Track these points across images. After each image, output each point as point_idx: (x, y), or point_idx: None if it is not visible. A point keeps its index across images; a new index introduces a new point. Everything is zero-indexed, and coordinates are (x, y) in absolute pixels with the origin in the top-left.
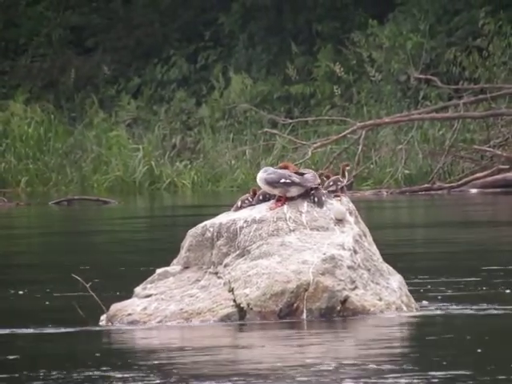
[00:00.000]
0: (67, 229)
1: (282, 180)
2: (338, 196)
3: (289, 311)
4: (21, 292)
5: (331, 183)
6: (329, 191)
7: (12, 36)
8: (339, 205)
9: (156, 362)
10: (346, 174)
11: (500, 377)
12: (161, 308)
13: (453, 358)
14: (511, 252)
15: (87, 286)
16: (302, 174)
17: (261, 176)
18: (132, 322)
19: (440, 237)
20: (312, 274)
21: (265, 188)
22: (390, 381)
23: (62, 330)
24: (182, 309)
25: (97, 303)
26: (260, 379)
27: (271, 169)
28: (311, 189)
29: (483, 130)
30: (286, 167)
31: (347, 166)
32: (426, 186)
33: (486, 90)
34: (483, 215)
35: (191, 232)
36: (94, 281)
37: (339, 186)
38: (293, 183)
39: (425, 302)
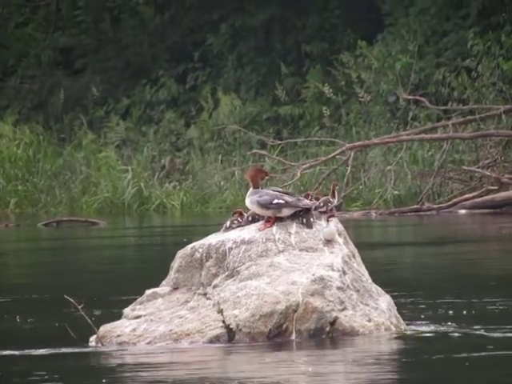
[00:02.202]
0: (56, 250)
1: (275, 201)
2: (332, 216)
3: (278, 332)
4: (7, 315)
5: (321, 204)
6: (319, 212)
7: (1, 57)
8: (330, 225)
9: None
10: (336, 193)
11: None
12: (150, 329)
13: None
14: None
15: (79, 307)
16: (294, 195)
17: (253, 199)
18: (121, 343)
19: (427, 256)
20: (301, 295)
21: (257, 210)
22: None
23: (51, 351)
24: (171, 330)
25: (87, 324)
26: None
27: (260, 190)
28: (300, 210)
29: (472, 150)
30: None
31: (337, 185)
32: (415, 206)
33: (474, 110)
34: (469, 234)
35: (180, 253)
36: (83, 302)
37: (329, 207)
38: (286, 203)
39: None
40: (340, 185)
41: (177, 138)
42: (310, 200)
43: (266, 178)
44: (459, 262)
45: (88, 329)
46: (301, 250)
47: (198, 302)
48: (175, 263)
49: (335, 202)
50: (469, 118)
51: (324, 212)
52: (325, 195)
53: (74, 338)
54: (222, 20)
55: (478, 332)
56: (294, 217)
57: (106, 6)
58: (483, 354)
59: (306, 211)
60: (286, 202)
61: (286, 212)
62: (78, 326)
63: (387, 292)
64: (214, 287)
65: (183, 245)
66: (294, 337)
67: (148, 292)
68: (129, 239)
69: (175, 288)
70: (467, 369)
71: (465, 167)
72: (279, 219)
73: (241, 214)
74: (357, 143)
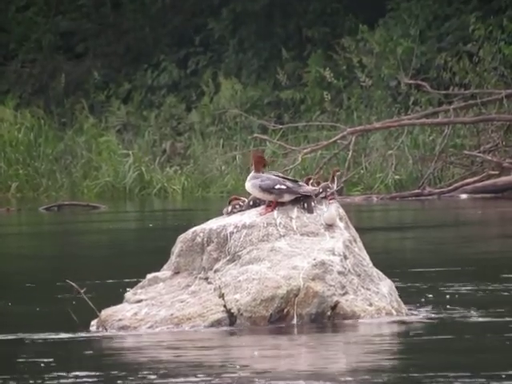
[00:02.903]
0: (57, 234)
1: (277, 186)
2: (333, 199)
3: (279, 316)
4: (12, 297)
5: (321, 190)
6: (320, 198)
7: (2, 41)
8: (330, 209)
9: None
10: (336, 179)
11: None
12: (151, 313)
13: (443, 362)
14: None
15: (81, 291)
16: (296, 181)
17: (255, 183)
18: (123, 328)
19: (428, 239)
20: (302, 280)
21: (259, 195)
22: None
23: (52, 336)
24: (172, 314)
25: (89, 308)
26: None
27: (261, 175)
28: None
29: (473, 135)
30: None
31: (337, 171)
32: (416, 191)
33: (476, 95)
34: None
35: (181, 237)
36: (85, 285)
37: (328, 193)
38: (287, 189)
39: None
40: (341, 170)
41: (178, 122)
42: (311, 185)
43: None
44: (460, 245)
45: (89, 313)
46: (302, 234)
47: (199, 286)
48: (176, 248)
49: (334, 187)
50: (470, 102)
51: (324, 197)
52: (325, 180)
53: (76, 323)
54: (223, 4)
55: (479, 317)
56: (295, 201)
57: None
58: (485, 338)
59: (308, 196)
60: (288, 187)
61: (286, 197)
62: (79, 310)
63: (388, 276)
64: (215, 272)
65: (184, 229)
66: (295, 321)
67: (149, 276)
68: (130, 223)
69: (176, 272)
70: (469, 353)
71: (466, 152)
72: (280, 204)
73: (236, 199)
74: (358, 128)
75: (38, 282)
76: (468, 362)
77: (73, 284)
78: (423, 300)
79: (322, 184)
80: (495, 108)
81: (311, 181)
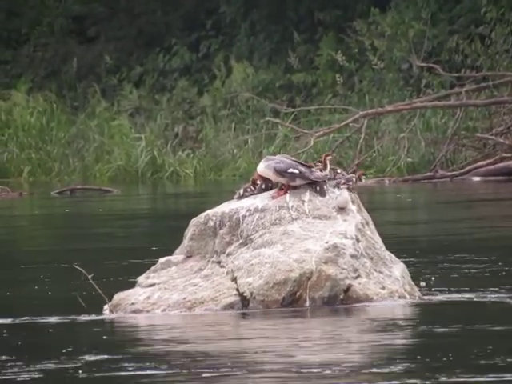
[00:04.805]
0: (70, 218)
1: (290, 170)
2: (353, 183)
3: (292, 300)
4: (23, 281)
5: (343, 181)
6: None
7: (14, 26)
8: (343, 193)
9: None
10: (328, 163)
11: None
12: (164, 297)
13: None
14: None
15: (89, 276)
16: (310, 166)
17: (269, 164)
18: (135, 311)
19: (443, 221)
20: (315, 263)
21: (271, 176)
22: (391, 371)
23: (64, 319)
24: (185, 298)
25: (99, 293)
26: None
27: (276, 157)
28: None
29: (485, 118)
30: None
31: (329, 155)
32: (428, 174)
33: (488, 77)
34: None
35: (194, 221)
36: (98, 269)
37: (351, 185)
38: (300, 174)
39: (423, 283)
40: (353, 152)
41: (190, 106)
42: (324, 167)
43: None
44: (476, 228)
45: (102, 297)
46: (314, 217)
47: (212, 269)
48: (189, 231)
49: (327, 172)
50: (482, 85)
51: (348, 189)
52: (337, 164)
53: (87, 307)
54: None
55: (494, 300)
56: (307, 185)
57: None
58: (499, 322)
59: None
60: (300, 172)
61: (298, 182)
62: (92, 294)
63: (401, 259)
64: (228, 255)
65: (197, 213)
66: (307, 304)
67: (162, 260)
68: (142, 207)
69: (189, 256)
70: (482, 337)
71: (478, 134)
72: (292, 187)
73: (254, 183)
74: (370, 111)
75: (49, 265)
76: (482, 345)
77: (81, 269)
78: (437, 283)
79: (348, 176)
80: (507, 90)
81: (329, 157)
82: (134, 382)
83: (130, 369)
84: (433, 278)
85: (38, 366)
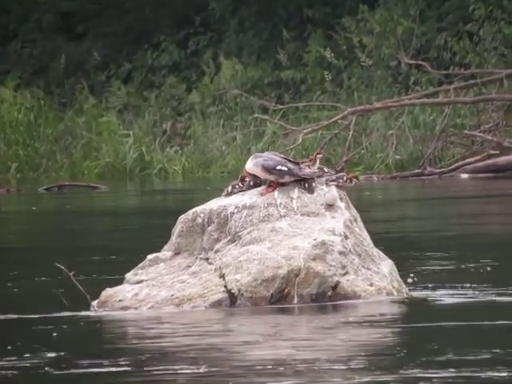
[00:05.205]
0: (57, 214)
1: (279, 167)
2: (343, 182)
3: (280, 297)
4: (10, 277)
5: (334, 177)
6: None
7: (2, 21)
8: (332, 190)
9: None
10: (317, 161)
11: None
12: (152, 294)
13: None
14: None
15: (70, 274)
16: (298, 163)
17: (257, 161)
18: (123, 308)
19: (429, 219)
20: (303, 260)
21: (260, 174)
22: (366, 367)
23: (50, 315)
24: (172, 295)
25: (85, 289)
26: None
27: (264, 154)
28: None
29: (474, 115)
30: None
31: (319, 154)
32: (416, 171)
33: (476, 75)
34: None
35: (182, 218)
36: (86, 266)
37: (340, 183)
38: (288, 171)
39: (410, 280)
40: (342, 149)
41: (178, 102)
42: (313, 164)
43: None
44: (462, 225)
45: (89, 294)
46: (302, 214)
47: (200, 266)
48: (177, 228)
49: (315, 169)
50: (470, 82)
51: (337, 186)
52: (326, 161)
53: (73, 303)
54: None
55: (482, 296)
56: (295, 182)
57: None
58: (487, 319)
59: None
60: (289, 169)
61: (287, 179)
62: (79, 291)
63: (388, 256)
64: (216, 252)
65: (185, 210)
66: (295, 301)
67: (150, 257)
68: (130, 204)
69: (177, 253)
70: (470, 335)
71: (466, 131)
72: (281, 184)
73: (242, 180)
74: (358, 108)
75: (36, 262)
76: (469, 341)
77: (62, 267)
78: (424, 280)
79: (338, 174)
80: (495, 88)
81: (320, 155)
82: (99, 381)
83: (91, 366)
84: (415, 279)
85: (7, 364)
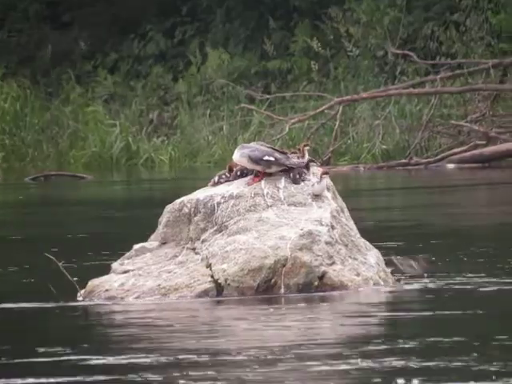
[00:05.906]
0: (44, 204)
1: (266, 157)
2: (326, 174)
3: (266, 287)
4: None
5: (324, 170)
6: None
7: None
8: (322, 183)
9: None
10: (306, 153)
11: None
12: (138, 284)
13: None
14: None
15: (60, 264)
16: (285, 153)
17: (244, 152)
18: (109, 298)
19: (415, 209)
20: (289, 250)
21: (247, 164)
22: (346, 354)
23: (37, 305)
24: (159, 285)
25: (79, 277)
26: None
27: (251, 145)
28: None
29: (460, 105)
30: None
31: (306, 145)
32: (403, 161)
33: (463, 65)
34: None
35: (169, 208)
36: (71, 256)
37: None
38: (276, 161)
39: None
40: (328, 139)
41: (165, 92)
42: (303, 156)
43: None
44: (447, 215)
45: (77, 283)
46: (289, 204)
47: (187, 256)
48: (163, 218)
49: (305, 160)
50: (457, 72)
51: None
52: (313, 150)
53: (61, 293)
54: None
55: (468, 285)
56: (283, 172)
57: None
58: (472, 308)
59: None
60: (276, 159)
61: (274, 169)
62: (67, 280)
63: (376, 246)
64: (203, 242)
65: (172, 199)
66: (282, 291)
67: (136, 247)
68: (116, 193)
69: (163, 243)
70: (455, 324)
71: (453, 121)
72: (268, 174)
73: (230, 169)
74: (345, 97)
75: (23, 252)
76: (455, 330)
77: (51, 257)
78: (412, 270)
79: (322, 169)
80: (482, 78)
81: (307, 147)
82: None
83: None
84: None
85: None
